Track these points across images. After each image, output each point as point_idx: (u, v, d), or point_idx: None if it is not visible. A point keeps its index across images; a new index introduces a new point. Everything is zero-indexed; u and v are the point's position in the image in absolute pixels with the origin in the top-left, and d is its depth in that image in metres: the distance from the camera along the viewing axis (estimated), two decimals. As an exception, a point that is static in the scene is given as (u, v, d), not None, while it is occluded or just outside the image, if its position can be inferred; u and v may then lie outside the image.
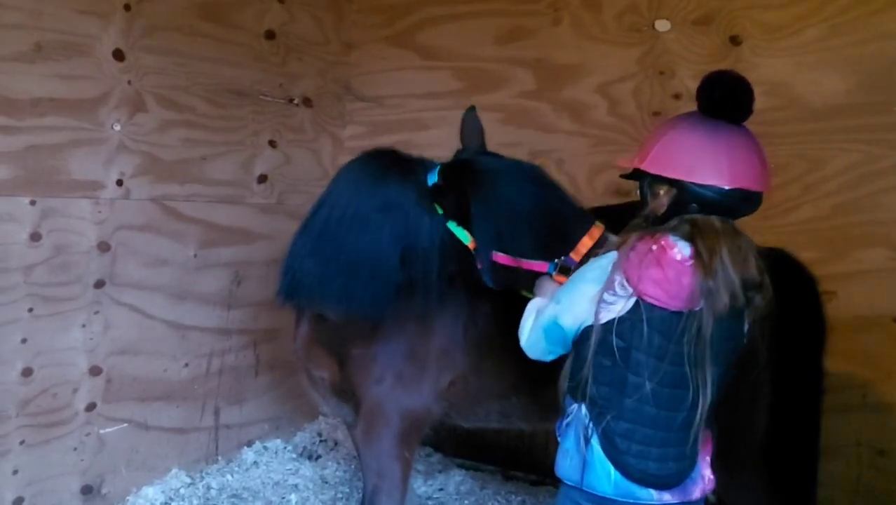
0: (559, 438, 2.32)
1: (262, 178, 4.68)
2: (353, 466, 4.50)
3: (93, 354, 3.82)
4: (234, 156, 4.50)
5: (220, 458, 4.59)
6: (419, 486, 4.41)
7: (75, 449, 3.79)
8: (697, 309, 2.08)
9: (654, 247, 2.10)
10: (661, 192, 2.18)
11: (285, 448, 4.84)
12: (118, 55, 3.76)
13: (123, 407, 4.00)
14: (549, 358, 2.38)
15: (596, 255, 2.40)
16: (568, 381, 2.27)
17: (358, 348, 3.09)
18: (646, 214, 2.24)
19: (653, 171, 2.19)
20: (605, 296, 2.11)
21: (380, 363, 3.07)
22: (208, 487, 4.26)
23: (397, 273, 2.83)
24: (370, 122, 5.21)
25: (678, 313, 2.08)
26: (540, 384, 3.09)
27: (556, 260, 2.62)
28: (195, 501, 4.09)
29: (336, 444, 4.90)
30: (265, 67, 4.65)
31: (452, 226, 2.80)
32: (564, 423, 2.28)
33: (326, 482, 4.45)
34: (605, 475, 2.15)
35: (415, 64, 5.03)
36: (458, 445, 4.78)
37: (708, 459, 2.32)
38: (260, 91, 4.62)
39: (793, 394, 2.88)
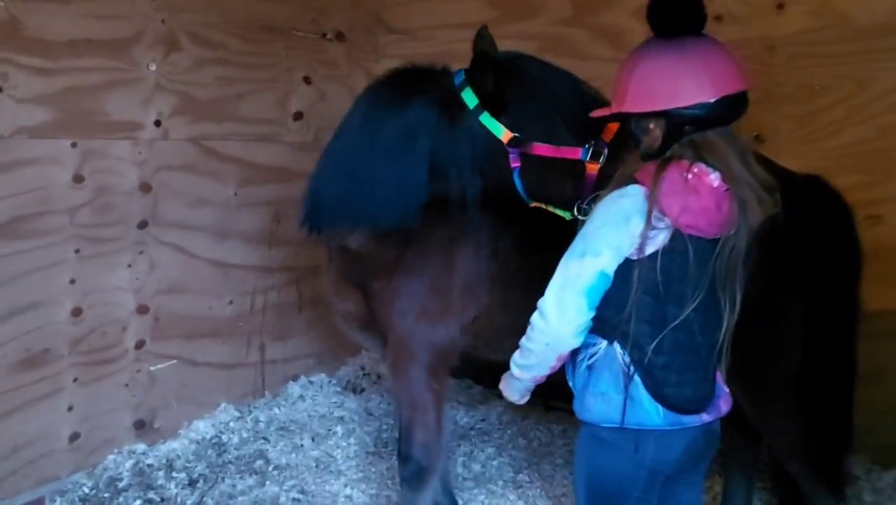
0: (576, 380, 2.27)
1: (298, 116, 4.67)
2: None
3: (140, 294, 3.89)
4: (269, 93, 4.49)
5: (266, 392, 4.69)
6: (461, 417, 4.48)
7: (127, 385, 3.90)
8: (732, 232, 2.06)
9: (689, 175, 2.04)
10: (651, 126, 2.13)
11: (330, 382, 4.93)
12: (151, -7, 3.74)
13: (171, 344, 4.09)
14: (587, 322, 2.16)
15: (599, 197, 2.25)
16: (590, 312, 2.15)
17: (380, 281, 3.10)
18: (642, 153, 2.19)
19: (637, 109, 2.13)
20: (646, 229, 2.05)
21: (402, 297, 3.08)
22: (256, 421, 4.36)
23: (424, 187, 2.84)
24: (403, 55, 5.11)
25: (714, 240, 2.06)
26: None
27: (588, 145, 2.57)
28: (244, 434, 4.20)
29: (379, 377, 4.97)
30: (297, 2, 4.60)
31: (486, 118, 2.75)
32: (586, 364, 2.21)
33: (371, 414, 4.54)
34: (652, 408, 2.13)
35: (448, -7, 4.93)
36: (498, 377, 4.81)
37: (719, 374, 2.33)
38: (292, 26, 4.58)
39: (826, 324, 2.84)
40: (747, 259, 2.12)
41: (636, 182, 2.11)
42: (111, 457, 3.82)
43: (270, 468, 3.89)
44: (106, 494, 3.58)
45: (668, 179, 2.04)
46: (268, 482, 3.75)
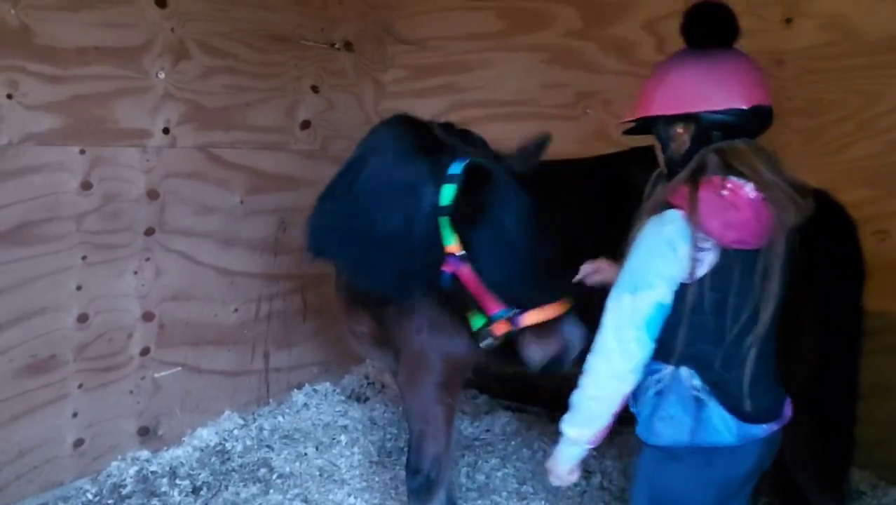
0: (642, 406, 2.22)
1: (306, 124, 4.68)
2: (400, 408, 4.56)
3: (145, 300, 3.90)
4: (277, 102, 4.51)
5: (271, 400, 4.69)
6: (466, 427, 4.47)
7: (131, 392, 3.90)
8: (772, 239, 2.06)
9: (725, 192, 2.04)
10: (680, 130, 2.15)
11: (334, 390, 4.93)
12: (160, 2, 3.76)
13: (176, 351, 4.10)
14: (648, 355, 2.13)
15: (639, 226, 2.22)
16: (652, 344, 2.12)
17: (392, 305, 3.11)
18: (669, 157, 2.21)
19: (667, 111, 2.15)
20: (695, 254, 2.05)
21: (416, 315, 3.08)
22: (261, 429, 4.36)
23: (422, 271, 2.79)
24: (412, 65, 5.16)
25: (757, 250, 2.06)
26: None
27: (510, 310, 2.60)
28: (248, 442, 4.20)
29: (383, 386, 4.97)
30: (306, 11, 4.61)
31: (444, 222, 2.70)
32: (654, 390, 2.18)
33: (375, 423, 4.53)
34: (724, 426, 2.11)
35: (457, 4, 4.95)
36: (503, 387, 4.81)
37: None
38: (301, 36, 4.59)
39: (831, 336, 2.84)
40: (787, 261, 2.11)
41: (671, 206, 2.10)
42: (115, 463, 3.83)
43: (274, 476, 3.88)
44: (109, 501, 3.58)
45: (705, 199, 2.03)
46: (271, 491, 3.74)
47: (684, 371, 2.13)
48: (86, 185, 3.55)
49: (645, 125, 2.31)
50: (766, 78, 2.18)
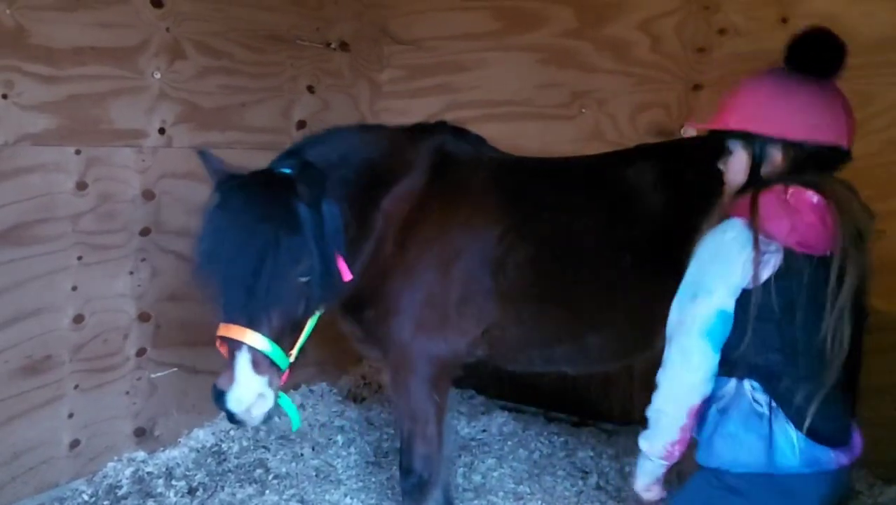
0: (704, 427, 2.13)
1: (302, 125, 4.67)
2: (397, 409, 4.56)
3: (141, 301, 3.89)
4: (273, 102, 4.50)
5: (267, 401, 4.67)
6: (462, 427, 4.47)
7: (127, 393, 3.89)
8: (839, 249, 1.99)
9: (788, 196, 1.99)
10: (778, 153, 2.07)
11: (330, 391, 4.93)
12: (156, 2, 3.75)
13: (172, 352, 4.09)
14: (714, 366, 2.06)
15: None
16: (716, 354, 2.05)
17: (371, 310, 3.13)
18: (763, 177, 2.10)
19: (773, 133, 2.07)
20: (756, 257, 1.97)
21: (398, 314, 3.08)
22: (257, 430, 4.35)
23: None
24: (408, 65, 5.16)
25: (824, 257, 1.99)
26: (583, 334, 3.09)
27: None
28: (244, 443, 4.19)
29: (380, 387, 4.96)
30: (301, 11, 4.61)
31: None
32: (716, 408, 2.09)
33: (372, 424, 4.53)
34: (788, 445, 1.99)
35: (453, 4, 4.94)
36: (500, 387, 4.81)
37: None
38: (297, 36, 4.59)
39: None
40: (863, 274, 2.05)
41: (731, 217, 2.06)
42: (111, 464, 3.82)
43: (270, 477, 3.88)
44: (105, 502, 3.57)
45: (767, 204, 1.99)
46: (267, 491, 3.74)
47: (747, 384, 2.04)
48: (81, 186, 3.55)
49: (723, 134, 2.21)
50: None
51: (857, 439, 2.16)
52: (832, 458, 2.04)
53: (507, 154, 3.40)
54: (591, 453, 4.20)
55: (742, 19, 4.07)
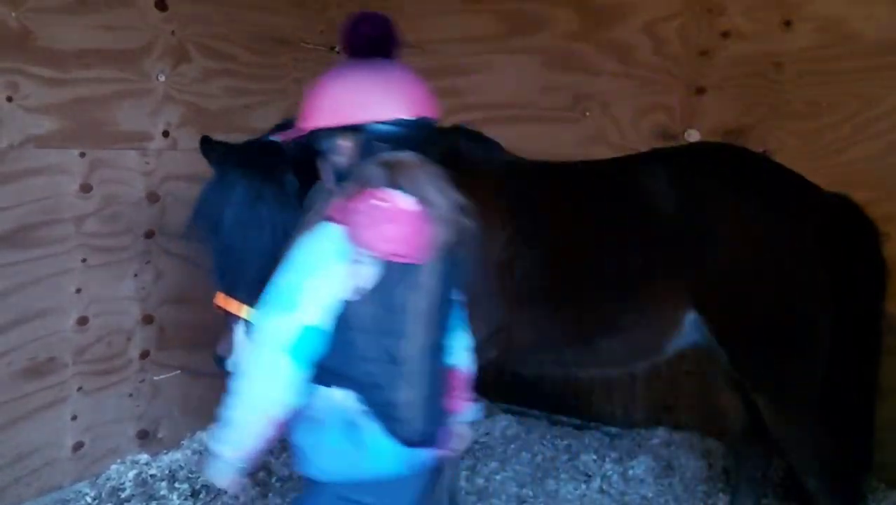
0: (301, 436, 2.07)
1: (305, 127, 4.67)
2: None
3: (145, 303, 3.89)
4: (277, 104, 4.51)
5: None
6: (466, 430, 4.46)
7: (131, 395, 3.90)
8: (432, 256, 1.96)
9: (382, 203, 1.93)
10: (343, 143, 2.04)
11: (333, 393, 4.91)
12: (160, 5, 3.77)
13: (176, 354, 4.09)
14: (299, 379, 1.93)
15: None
16: (301, 368, 1.93)
17: None
18: (335, 171, 2.08)
19: (329, 123, 2.04)
20: (352, 268, 1.92)
21: None
22: (260, 432, 4.35)
23: None
24: (410, 68, 5.16)
25: (419, 266, 1.95)
26: (593, 337, 3.08)
27: None
28: (247, 445, 4.18)
29: (383, 389, 4.96)
30: (305, 14, 4.62)
31: None
32: (313, 418, 2.02)
33: (374, 426, 4.52)
34: (388, 453, 1.98)
35: (455, 7, 4.94)
36: (503, 391, 4.81)
37: (462, 399, 2.24)
38: (301, 38, 4.60)
39: (850, 341, 2.85)
40: (450, 277, 2.05)
41: (328, 220, 1.96)
42: (114, 467, 3.82)
43: (273, 480, 3.87)
44: (108, 504, 3.57)
45: (361, 211, 1.92)
46: (270, 494, 3.73)
47: (340, 394, 1.98)
48: (86, 188, 3.55)
49: (311, 139, 2.14)
50: (430, 92, 2.12)
51: (453, 437, 2.19)
52: (431, 457, 2.07)
53: (519, 158, 3.40)
54: (594, 457, 4.20)
55: (745, 22, 4.06)
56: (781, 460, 3.20)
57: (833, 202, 2.91)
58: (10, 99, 3.25)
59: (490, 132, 3.42)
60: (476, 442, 4.38)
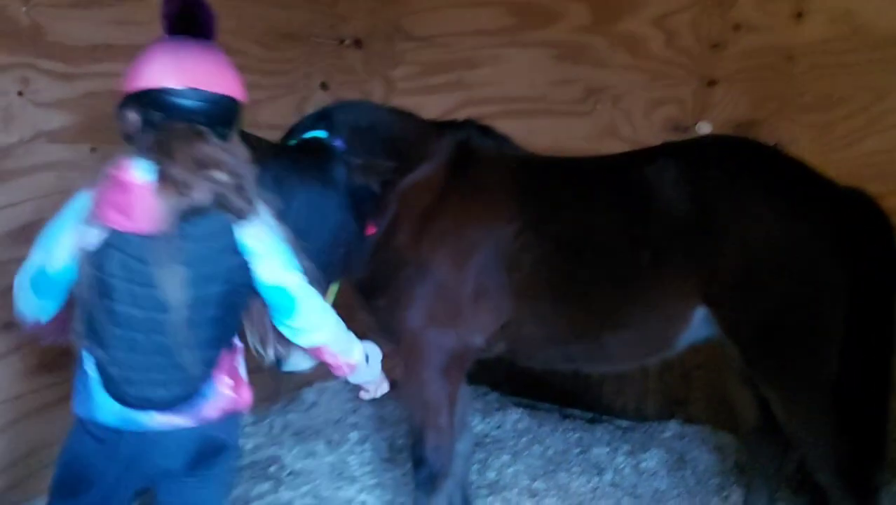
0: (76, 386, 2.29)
1: (315, 122, 4.67)
2: (411, 405, 4.56)
3: (156, 298, 3.89)
4: (287, 100, 4.51)
5: (281, 398, 4.69)
6: (477, 424, 4.46)
7: (143, 389, 3.90)
8: (162, 229, 2.03)
9: (115, 170, 2.08)
10: (128, 111, 2.14)
11: (344, 388, 4.92)
12: (170, 0, 3.75)
13: (187, 349, 4.09)
14: (47, 312, 2.23)
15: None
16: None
17: (384, 299, 3.15)
18: (125, 137, 2.18)
19: (123, 88, 2.17)
20: (83, 228, 2.07)
21: (409, 304, 3.09)
22: (271, 426, 4.38)
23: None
24: (421, 62, 5.16)
25: (151, 237, 2.03)
26: (601, 332, 3.08)
27: None
28: (259, 439, 4.21)
29: (394, 383, 4.95)
30: (315, 8, 4.61)
31: None
32: (83, 364, 2.23)
33: (385, 420, 4.53)
34: (103, 404, 2.16)
35: (466, 0, 4.94)
36: (515, 384, 4.81)
37: (227, 377, 2.33)
38: (311, 33, 4.59)
39: (864, 335, 2.82)
40: (223, 252, 2.12)
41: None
42: (127, 460, 3.83)
43: (285, 474, 3.89)
44: (121, 498, 3.59)
45: (101, 177, 2.09)
46: (282, 488, 3.75)
47: (85, 350, 2.18)
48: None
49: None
50: (229, 71, 2.19)
51: (206, 404, 2.24)
52: (155, 419, 2.17)
53: (530, 152, 3.39)
54: (606, 450, 4.20)
55: (757, 14, 4.04)
56: (794, 454, 3.18)
57: (846, 196, 2.89)
58: (20, 94, 3.25)
59: (501, 125, 3.41)
60: (487, 436, 4.38)
